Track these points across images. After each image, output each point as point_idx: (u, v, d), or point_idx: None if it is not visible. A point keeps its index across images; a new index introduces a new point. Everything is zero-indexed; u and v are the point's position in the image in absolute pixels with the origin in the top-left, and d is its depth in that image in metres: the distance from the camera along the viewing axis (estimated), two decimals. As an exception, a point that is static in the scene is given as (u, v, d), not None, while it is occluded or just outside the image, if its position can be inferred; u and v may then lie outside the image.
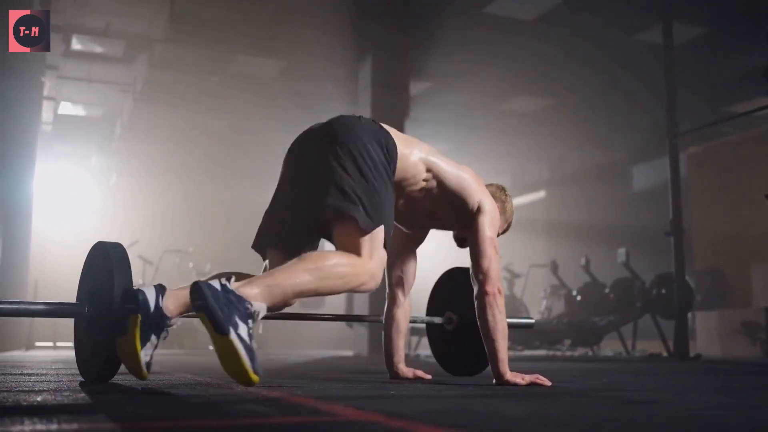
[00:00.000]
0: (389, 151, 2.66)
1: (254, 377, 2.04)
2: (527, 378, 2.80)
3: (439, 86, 11.48)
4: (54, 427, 1.37)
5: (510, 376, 2.81)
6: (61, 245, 13.52)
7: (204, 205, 15.33)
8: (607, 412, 1.82)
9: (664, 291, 8.36)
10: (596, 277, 9.67)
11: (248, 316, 2.17)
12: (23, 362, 5.07)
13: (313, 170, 2.65)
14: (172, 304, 2.43)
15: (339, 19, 9.45)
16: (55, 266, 12.62)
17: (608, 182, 14.20)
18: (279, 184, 2.86)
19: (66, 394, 2.11)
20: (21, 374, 3.37)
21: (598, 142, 13.87)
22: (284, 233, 2.78)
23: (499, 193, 3.22)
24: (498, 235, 3.08)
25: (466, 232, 3.03)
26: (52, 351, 9.37)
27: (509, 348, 8.97)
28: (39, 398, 1.96)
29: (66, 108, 12.81)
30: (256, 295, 2.25)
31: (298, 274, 2.35)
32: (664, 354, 8.18)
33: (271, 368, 4.52)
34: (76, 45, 10.27)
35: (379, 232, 2.53)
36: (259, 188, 16.22)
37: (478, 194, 2.96)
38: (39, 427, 1.35)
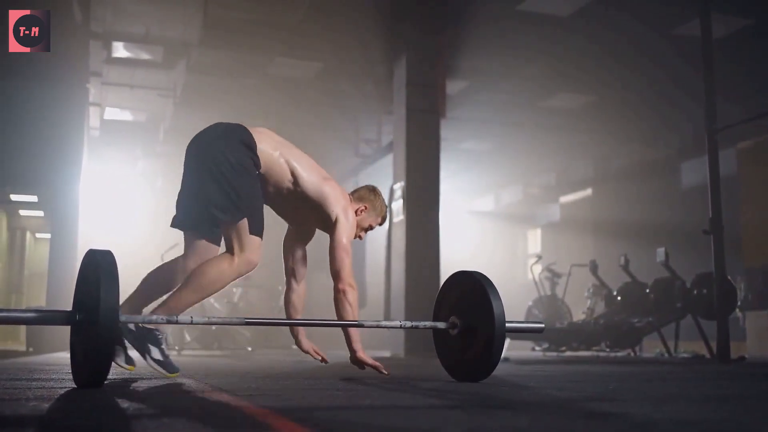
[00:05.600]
0: (248, 144, 3.41)
1: (172, 376, 3.39)
2: (371, 361, 3.60)
3: (477, 85, 11.37)
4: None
5: (362, 353, 3.58)
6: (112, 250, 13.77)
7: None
8: (552, 424, 1.75)
9: (705, 291, 8.10)
10: (637, 277, 9.45)
11: (158, 341, 3.38)
12: (49, 366, 5.16)
13: (195, 179, 3.49)
14: None
15: (373, 19, 9.42)
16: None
17: (656, 179, 13.85)
18: (183, 177, 3.62)
19: (32, 404, 2.12)
20: (27, 379, 3.43)
21: (643, 138, 13.56)
22: (191, 220, 3.63)
23: (368, 194, 3.91)
24: (371, 228, 3.92)
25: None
26: None
27: (545, 349, 8.76)
28: (-4, 408, 1.98)
29: (111, 113, 13.08)
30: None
31: (185, 296, 3.36)
32: (707, 356, 7.95)
33: (286, 372, 4.51)
34: (116, 52, 10.46)
35: (243, 223, 3.35)
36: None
37: (336, 207, 3.64)
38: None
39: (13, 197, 11.42)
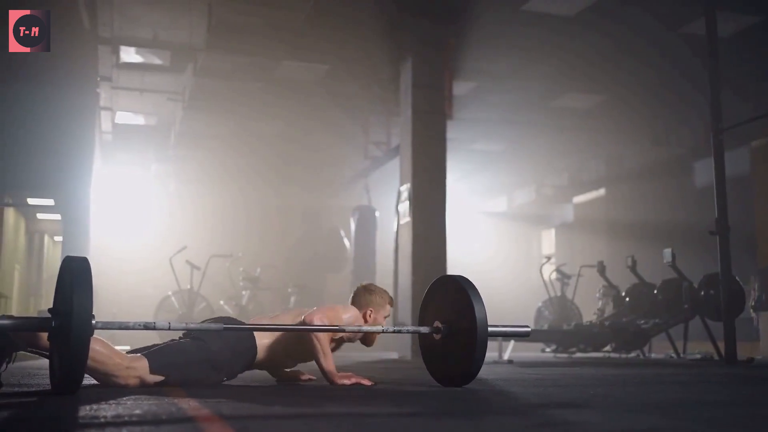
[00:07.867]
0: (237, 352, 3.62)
1: None
2: (353, 379, 3.55)
3: (485, 85, 11.32)
4: None
5: (338, 380, 3.55)
6: (121, 256, 13.90)
7: (256, 209, 15.52)
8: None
9: (712, 292, 8.00)
10: (652, 277, 9.36)
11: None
12: (44, 371, 5.15)
13: None
14: None
15: (378, 21, 9.40)
16: (117, 277, 12.96)
17: (670, 179, 13.72)
18: None
19: (-8, 411, 2.13)
20: (10, 385, 3.44)
21: (656, 137, 13.43)
22: None
23: (364, 295, 3.89)
24: (388, 315, 3.93)
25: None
26: None
27: (554, 350, 8.72)
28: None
29: (123, 117, 13.16)
30: None
31: None
32: (716, 357, 7.86)
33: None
34: (125, 56, 10.52)
35: (143, 361, 3.36)
36: (306, 192, 16.42)
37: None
38: None
39: (30, 201, 11.55)
